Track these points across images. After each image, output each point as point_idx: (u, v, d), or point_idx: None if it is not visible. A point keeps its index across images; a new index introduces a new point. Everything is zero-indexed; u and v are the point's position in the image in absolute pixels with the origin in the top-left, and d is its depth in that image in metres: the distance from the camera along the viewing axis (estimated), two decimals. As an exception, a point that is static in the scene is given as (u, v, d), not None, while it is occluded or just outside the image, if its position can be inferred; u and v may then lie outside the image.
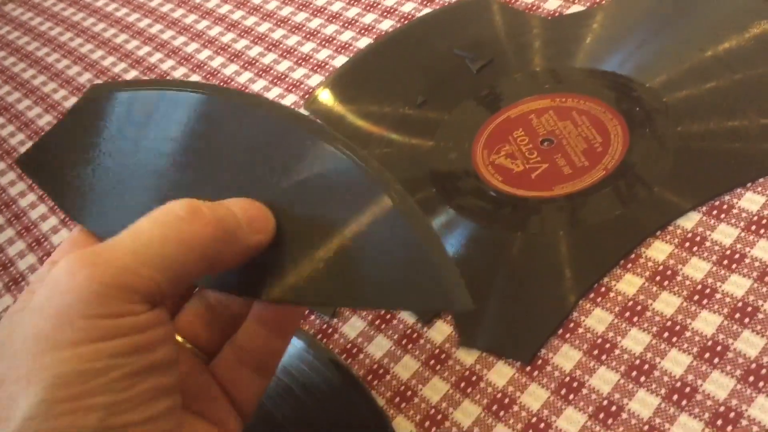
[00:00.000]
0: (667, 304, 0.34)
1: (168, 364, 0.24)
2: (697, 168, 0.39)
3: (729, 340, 0.32)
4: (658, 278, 0.35)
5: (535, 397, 0.33)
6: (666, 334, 0.33)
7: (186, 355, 0.29)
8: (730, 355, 0.32)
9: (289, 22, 0.60)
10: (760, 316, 0.33)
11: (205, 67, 0.59)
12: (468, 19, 0.53)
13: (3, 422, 0.21)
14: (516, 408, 0.33)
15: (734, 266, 0.35)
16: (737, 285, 0.34)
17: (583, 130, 0.42)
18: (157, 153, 0.29)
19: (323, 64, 0.55)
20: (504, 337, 0.36)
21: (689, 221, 0.37)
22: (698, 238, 0.36)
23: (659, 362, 0.33)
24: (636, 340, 0.34)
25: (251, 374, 0.29)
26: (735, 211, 0.37)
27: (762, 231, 0.35)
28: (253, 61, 0.58)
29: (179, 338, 0.29)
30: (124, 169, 0.30)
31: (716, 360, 0.32)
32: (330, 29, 0.58)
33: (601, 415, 0.32)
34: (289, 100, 0.53)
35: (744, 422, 0.30)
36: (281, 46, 0.58)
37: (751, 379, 0.31)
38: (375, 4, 0.58)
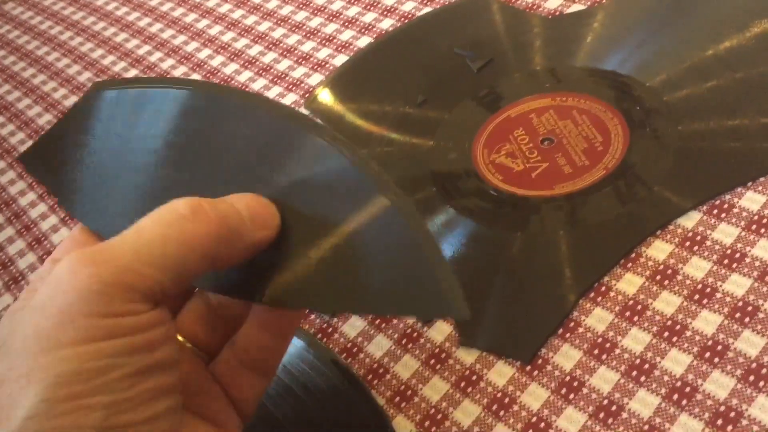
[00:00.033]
0: (667, 303, 0.34)
1: (169, 364, 0.24)
2: (697, 167, 0.39)
3: (729, 339, 0.32)
4: (658, 278, 0.35)
5: (535, 396, 0.33)
6: (666, 334, 0.33)
7: (186, 354, 0.29)
8: (731, 355, 0.32)
9: (289, 20, 0.60)
10: (761, 315, 0.33)
11: (206, 66, 0.59)
12: (468, 18, 0.53)
13: (4, 422, 0.21)
14: (516, 407, 0.33)
15: (735, 266, 0.35)
16: (738, 284, 0.34)
17: (584, 130, 0.42)
18: (153, 151, 0.29)
19: (323, 63, 0.55)
20: (504, 336, 0.36)
21: (690, 220, 0.37)
22: (699, 238, 0.36)
23: (659, 362, 0.33)
24: (636, 340, 0.34)
25: (251, 374, 0.29)
26: (735, 210, 0.37)
27: (762, 230, 0.35)
28: (253, 60, 0.58)
29: (180, 338, 0.29)
30: (121, 167, 0.30)
31: (716, 359, 0.32)
32: (330, 28, 0.58)
33: (602, 415, 0.32)
34: (289, 99, 0.53)
35: (744, 422, 0.30)
36: (281, 45, 0.58)
37: (752, 378, 0.31)
38: (375, 3, 0.58)
